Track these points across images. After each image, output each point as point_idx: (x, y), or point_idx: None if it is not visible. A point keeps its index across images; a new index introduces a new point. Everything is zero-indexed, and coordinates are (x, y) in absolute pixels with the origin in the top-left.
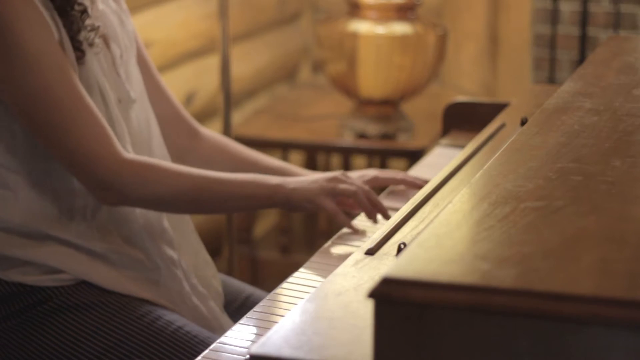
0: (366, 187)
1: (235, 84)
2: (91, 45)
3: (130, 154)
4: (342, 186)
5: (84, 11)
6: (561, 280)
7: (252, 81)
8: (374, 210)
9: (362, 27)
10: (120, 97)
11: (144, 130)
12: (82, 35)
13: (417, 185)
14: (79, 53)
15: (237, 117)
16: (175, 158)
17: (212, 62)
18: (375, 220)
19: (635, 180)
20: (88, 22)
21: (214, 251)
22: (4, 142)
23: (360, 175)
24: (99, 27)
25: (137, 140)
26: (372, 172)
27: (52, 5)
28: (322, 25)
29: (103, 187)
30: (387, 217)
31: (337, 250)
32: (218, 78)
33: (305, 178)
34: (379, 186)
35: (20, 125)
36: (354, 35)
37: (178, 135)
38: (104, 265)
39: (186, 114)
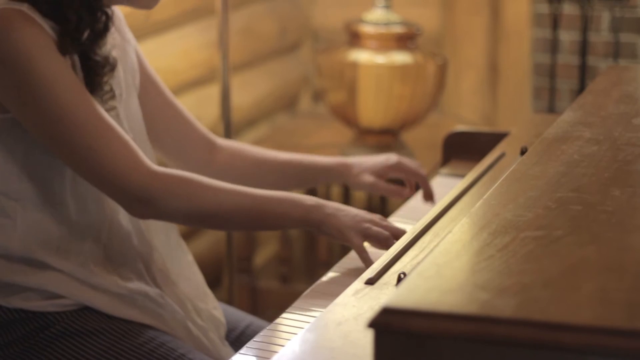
0: (401, 231)
1: (235, 113)
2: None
3: (161, 167)
4: (376, 229)
5: (105, 66)
6: (561, 310)
7: (252, 110)
8: None
9: (362, 56)
10: None
11: None
12: (98, 94)
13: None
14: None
15: None
16: (195, 172)
17: (213, 92)
18: None
19: (634, 210)
20: (107, 84)
21: (214, 280)
22: (7, 168)
23: (385, 159)
24: (114, 92)
25: None
26: (394, 158)
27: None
28: (322, 54)
29: (136, 201)
30: None
31: (337, 279)
32: (218, 107)
33: (346, 208)
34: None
35: (29, 146)
36: (354, 65)
37: (195, 150)
38: (105, 291)
39: (201, 127)
